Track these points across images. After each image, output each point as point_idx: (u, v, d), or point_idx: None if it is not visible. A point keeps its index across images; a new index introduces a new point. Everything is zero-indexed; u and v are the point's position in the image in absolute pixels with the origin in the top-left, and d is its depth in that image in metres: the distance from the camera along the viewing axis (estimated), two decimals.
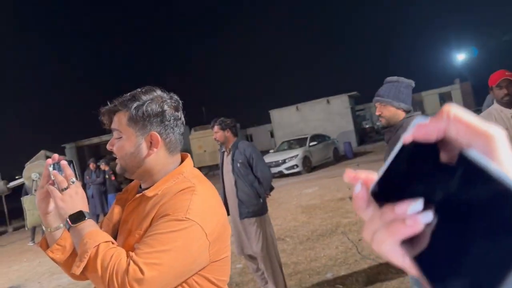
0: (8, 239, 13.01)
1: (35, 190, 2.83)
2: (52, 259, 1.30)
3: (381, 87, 2.74)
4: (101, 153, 19.03)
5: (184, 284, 1.17)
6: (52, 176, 1.20)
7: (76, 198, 1.20)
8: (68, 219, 1.18)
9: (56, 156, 1.24)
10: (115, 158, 1.31)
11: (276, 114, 25.39)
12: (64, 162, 1.22)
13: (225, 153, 4.09)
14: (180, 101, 1.35)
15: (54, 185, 1.19)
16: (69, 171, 1.22)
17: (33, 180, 2.83)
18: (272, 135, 26.91)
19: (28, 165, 3.07)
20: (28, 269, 7.77)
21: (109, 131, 1.31)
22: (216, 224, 1.23)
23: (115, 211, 1.39)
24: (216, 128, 3.99)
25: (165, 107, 1.28)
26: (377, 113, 2.74)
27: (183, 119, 1.34)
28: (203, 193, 1.24)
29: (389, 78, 2.75)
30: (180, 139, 1.34)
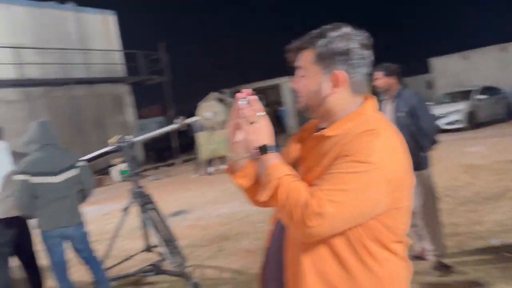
0: (176, 171, 14.90)
1: (209, 128, 3.11)
2: (237, 184, 1.38)
3: None
4: (259, 98, 20.00)
5: (359, 227, 1.15)
6: (241, 110, 1.26)
7: (263, 131, 1.24)
8: (254, 150, 1.24)
9: (246, 91, 1.29)
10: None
11: (438, 63, 22.97)
12: (253, 97, 1.27)
13: (387, 102, 3.85)
14: (371, 39, 1.26)
15: (243, 118, 1.25)
16: (257, 105, 1.26)
17: (207, 119, 3.09)
18: (429, 86, 24.59)
19: (201, 105, 3.34)
20: (192, 199, 8.80)
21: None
22: (397, 170, 1.16)
23: (292, 148, 1.41)
24: (379, 74, 3.75)
25: (353, 45, 1.21)
26: None
27: (370, 58, 1.26)
28: (387, 137, 1.18)
29: None
30: (365, 80, 1.26)
